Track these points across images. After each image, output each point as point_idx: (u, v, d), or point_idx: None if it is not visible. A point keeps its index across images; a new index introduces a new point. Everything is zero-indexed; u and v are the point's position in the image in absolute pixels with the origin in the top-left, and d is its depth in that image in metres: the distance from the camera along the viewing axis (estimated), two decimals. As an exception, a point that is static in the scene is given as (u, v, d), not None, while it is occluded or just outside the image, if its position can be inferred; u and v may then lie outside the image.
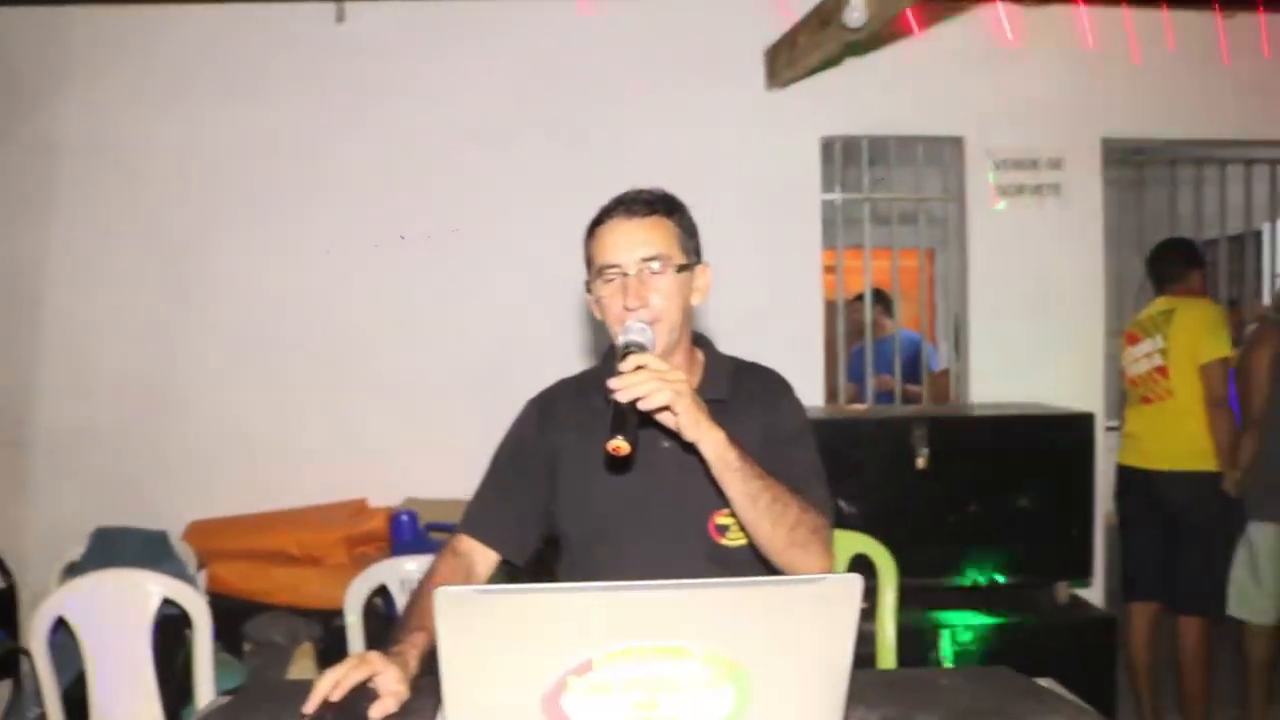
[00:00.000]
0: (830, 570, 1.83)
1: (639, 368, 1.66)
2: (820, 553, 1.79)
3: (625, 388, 1.63)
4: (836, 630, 1.25)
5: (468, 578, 1.92)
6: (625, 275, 1.84)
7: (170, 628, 3.08)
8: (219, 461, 4.26)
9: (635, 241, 1.85)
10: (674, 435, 1.74)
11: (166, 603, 2.71)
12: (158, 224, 4.27)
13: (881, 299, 5.30)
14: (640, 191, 1.91)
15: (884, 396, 4.98)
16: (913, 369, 5.08)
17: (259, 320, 4.31)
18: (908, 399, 4.95)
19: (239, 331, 4.30)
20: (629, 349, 1.74)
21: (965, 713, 1.53)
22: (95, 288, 4.26)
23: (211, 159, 4.29)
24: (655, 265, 1.84)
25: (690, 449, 1.73)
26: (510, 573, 2.02)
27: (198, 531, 3.96)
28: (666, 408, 1.66)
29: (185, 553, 3.72)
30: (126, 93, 4.25)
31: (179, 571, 3.41)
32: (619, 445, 1.59)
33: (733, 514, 1.80)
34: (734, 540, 1.86)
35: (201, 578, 3.81)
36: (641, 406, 1.64)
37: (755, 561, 1.84)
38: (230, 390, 4.29)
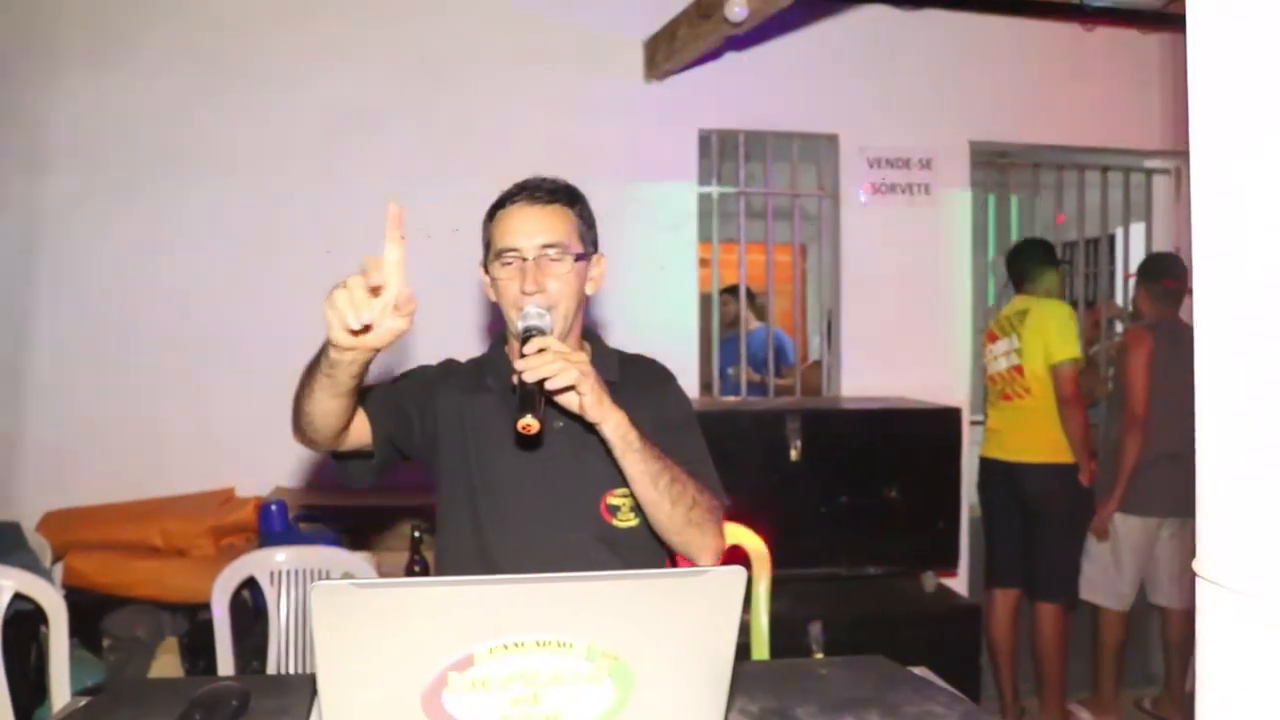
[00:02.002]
0: (724, 548, 1.89)
1: (542, 350, 1.68)
2: (715, 532, 1.86)
3: (532, 368, 1.65)
4: (719, 623, 1.26)
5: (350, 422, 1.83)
6: (524, 260, 1.86)
7: (23, 623, 2.95)
8: (77, 449, 4.07)
9: (537, 228, 1.88)
10: (570, 416, 1.76)
11: (18, 597, 2.59)
12: (16, 200, 4.06)
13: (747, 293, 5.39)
14: (543, 180, 1.95)
15: (739, 388, 5.06)
16: (788, 360, 5.18)
17: (121, 304, 4.12)
18: (759, 390, 5.05)
19: (99, 316, 4.11)
20: (530, 333, 1.77)
21: (845, 702, 1.56)
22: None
23: (74, 134, 4.09)
24: (553, 253, 1.87)
25: (586, 430, 1.77)
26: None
27: (53, 522, 3.79)
28: (571, 388, 1.68)
29: (39, 544, 3.55)
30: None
31: (32, 564, 3.26)
32: (529, 424, 1.60)
33: (625, 495, 1.86)
34: (624, 522, 1.90)
35: (57, 570, 3.66)
36: (549, 386, 1.66)
37: (644, 544, 1.89)
38: (91, 376, 4.10)
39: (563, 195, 1.95)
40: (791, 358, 5.39)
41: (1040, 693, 4.16)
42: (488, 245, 1.95)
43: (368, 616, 1.18)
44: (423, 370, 2.08)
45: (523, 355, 1.69)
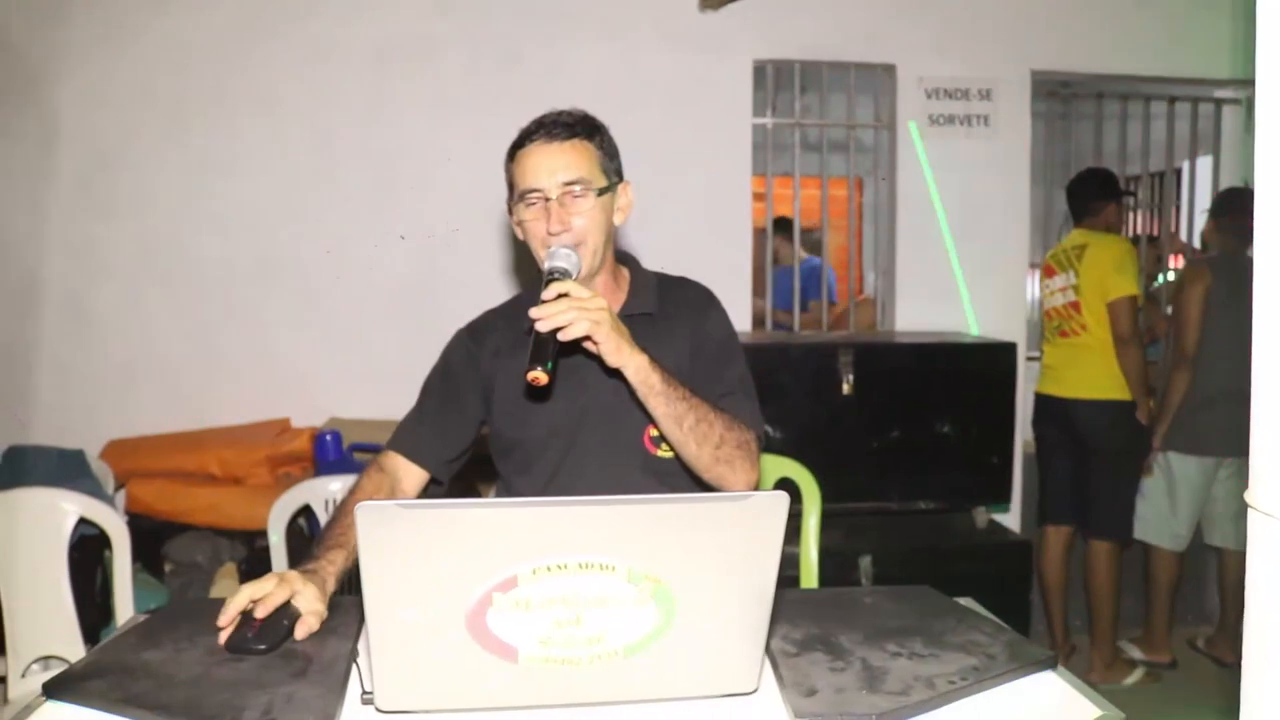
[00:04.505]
0: (757, 482, 1.88)
1: (560, 296, 1.67)
2: (746, 468, 1.84)
3: (545, 318, 1.64)
4: (762, 547, 1.26)
5: (391, 494, 1.92)
6: (547, 200, 1.85)
7: (88, 548, 3.04)
8: (138, 379, 4.16)
9: (556, 165, 1.85)
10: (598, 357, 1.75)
11: (84, 522, 2.66)
12: (74, 134, 4.11)
13: (783, 227, 5.32)
14: (560, 113, 1.91)
15: (778, 327, 5.03)
16: (814, 296, 5.14)
17: (178, 237, 4.18)
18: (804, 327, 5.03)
19: (158, 248, 4.17)
20: (553, 275, 1.76)
21: (889, 631, 1.56)
22: (5, 199, 4.09)
23: (129, 69, 4.12)
24: (577, 189, 1.86)
25: (615, 370, 1.75)
26: (432, 494, 2.03)
27: (116, 450, 3.88)
28: (587, 337, 1.67)
29: (102, 471, 3.64)
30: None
31: (96, 491, 3.34)
32: (537, 376, 1.61)
33: (659, 430, 1.83)
34: (668, 452, 1.89)
35: (120, 498, 3.75)
36: (562, 337, 1.64)
37: (690, 472, 1.88)
38: (149, 307, 4.17)
39: (581, 128, 1.91)
40: (834, 291, 5.36)
41: (1091, 630, 4.14)
42: (511, 186, 1.93)
43: (412, 537, 1.20)
44: (449, 361, 2.07)
45: (541, 301, 1.68)
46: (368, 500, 1.20)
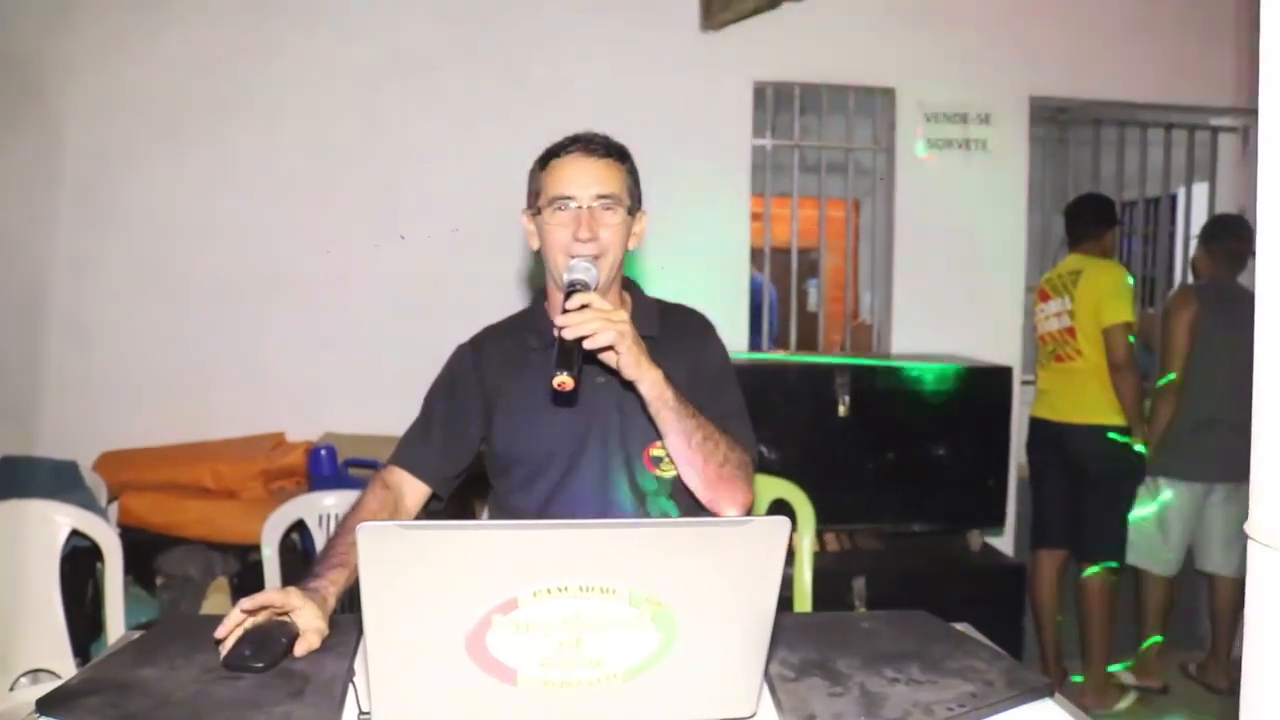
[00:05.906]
0: (752, 502, 1.93)
1: (584, 306, 1.71)
2: (744, 488, 1.91)
3: (572, 325, 1.68)
4: (762, 572, 1.26)
5: (395, 511, 1.93)
6: (579, 208, 1.89)
7: (80, 560, 3.02)
8: (132, 392, 4.14)
9: (593, 178, 1.91)
10: (611, 371, 1.80)
11: (76, 534, 2.65)
12: (68, 146, 4.10)
13: None
14: (595, 134, 1.98)
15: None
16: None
17: (175, 250, 4.17)
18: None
19: (152, 260, 4.16)
20: (574, 287, 1.79)
21: (886, 655, 1.56)
22: (5, 210, 4.07)
23: (132, 81, 4.12)
24: (608, 203, 1.91)
25: (627, 384, 1.80)
26: (432, 510, 2.03)
27: (109, 462, 3.86)
28: (610, 347, 1.71)
29: (95, 484, 3.63)
30: (34, 6, 4.06)
31: (88, 502, 3.33)
32: (564, 381, 1.64)
33: (666, 446, 1.88)
34: (667, 471, 1.94)
35: (113, 510, 3.74)
36: (587, 345, 1.69)
37: (688, 492, 1.93)
38: (143, 319, 4.16)
39: (615, 151, 1.98)
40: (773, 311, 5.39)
41: (1084, 654, 4.13)
42: (537, 193, 1.97)
43: (413, 558, 1.20)
44: (451, 375, 2.08)
45: (565, 310, 1.71)
46: (371, 519, 1.20)
